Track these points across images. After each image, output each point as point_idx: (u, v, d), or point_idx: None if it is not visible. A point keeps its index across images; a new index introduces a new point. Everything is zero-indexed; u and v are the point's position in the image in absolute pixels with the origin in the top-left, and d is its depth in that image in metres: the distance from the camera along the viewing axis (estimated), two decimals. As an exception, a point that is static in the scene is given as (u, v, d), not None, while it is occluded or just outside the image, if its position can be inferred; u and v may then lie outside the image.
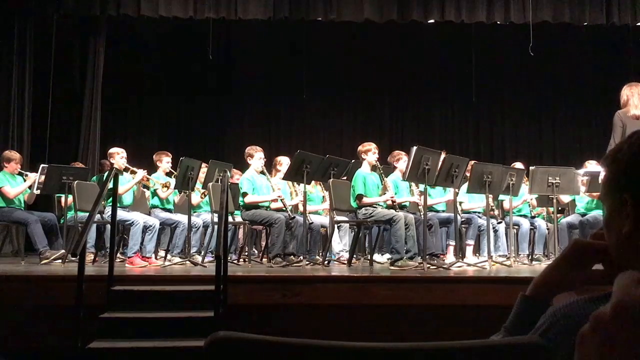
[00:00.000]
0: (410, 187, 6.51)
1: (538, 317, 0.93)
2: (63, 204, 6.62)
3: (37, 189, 6.53)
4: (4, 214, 6.40)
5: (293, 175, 6.19)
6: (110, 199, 5.51)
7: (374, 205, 6.10)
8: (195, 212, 6.79)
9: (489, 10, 8.41)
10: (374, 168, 6.39)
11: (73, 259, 5.32)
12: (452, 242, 6.58)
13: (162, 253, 6.91)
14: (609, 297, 0.62)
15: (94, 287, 4.01)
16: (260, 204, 6.33)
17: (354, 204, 6.20)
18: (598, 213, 6.47)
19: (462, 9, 8.40)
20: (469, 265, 6.02)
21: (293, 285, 4.34)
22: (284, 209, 6.38)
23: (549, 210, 7.25)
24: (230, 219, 6.19)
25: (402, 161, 6.41)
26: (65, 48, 9.21)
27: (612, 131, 4.93)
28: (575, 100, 10.94)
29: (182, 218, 6.52)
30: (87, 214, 4.87)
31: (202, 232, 6.84)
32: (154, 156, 7.05)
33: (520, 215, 7.21)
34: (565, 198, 7.16)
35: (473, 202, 6.92)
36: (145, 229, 6.26)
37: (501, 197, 7.07)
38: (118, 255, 6.24)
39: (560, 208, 7.38)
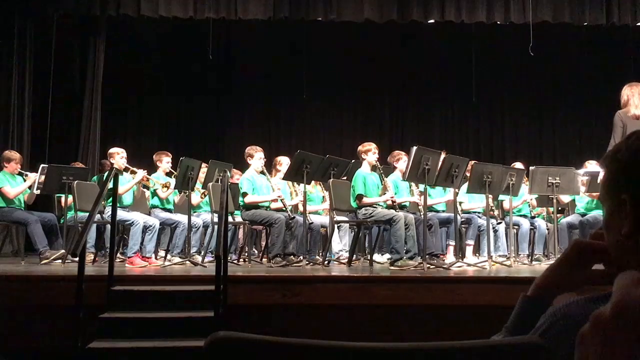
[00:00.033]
0: (410, 187, 6.51)
1: (539, 317, 0.93)
2: (63, 204, 6.62)
3: (37, 189, 6.53)
4: (4, 214, 6.39)
5: (293, 175, 6.19)
6: (110, 199, 5.51)
7: (374, 205, 6.10)
8: (195, 212, 6.79)
9: (489, 10, 8.41)
10: (374, 168, 6.39)
11: (73, 259, 5.32)
12: (452, 242, 6.58)
13: (162, 253, 6.91)
14: (609, 297, 0.62)
15: (94, 287, 4.01)
16: (260, 204, 6.33)
17: (354, 204, 6.20)
18: (598, 213, 6.47)
19: (462, 9, 8.40)
20: (469, 265, 6.02)
21: (293, 285, 4.34)
22: (284, 209, 6.38)
23: (549, 210, 7.24)
24: (230, 219, 6.19)
25: (402, 161, 6.41)
26: (65, 48, 9.21)
27: (613, 131, 4.93)
28: (575, 100, 10.93)
29: (182, 218, 6.52)
30: (87, 214, 4.87)
31: (202, 232, 6.85)
32: (154, 156, 7.05)
33: (520, 215, 7.21)
34: (565, 198, 7.16)
35: (473, 202, 6.92)
36: (145, 229, 6.26)
37: (501, 197, 7.07)
38: (118, 255, 6.24)
39: (560, 208, 7.38)
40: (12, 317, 4.23)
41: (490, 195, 6.32)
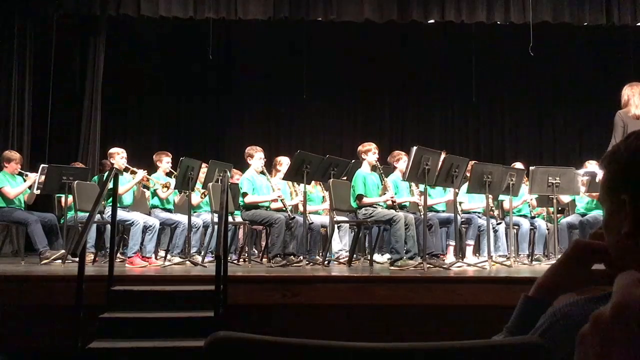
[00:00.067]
0: (410, 187, 6.51)
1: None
2: (63, 204, 6.62)
3: (37, 189, 6.53)
4: (4, 214, 6.40)
5: (293, 175, 6.19)
6: (110, 199, 5.51)
7: (374, 206, 6.10)
8: (195, 212, 6.79)
9: (489, 10, 8.41)
10: (374, 168, 6.39)
11: (73, 259, 5.32)
12: (452, 242, 6.58)
13: (162, 253, 6.91)
14: (609, 297, 0.62)
15: (94, 287, 4.01)
16: (260, 204, 6.33)
17: (354, 204, 6.20)
18: (598, 213, 6.47)
19: (462, 9, 8.40)
20: (469, 265, 6.02)
21: (293, 285, 4.34)
22: (284, 209, 6.38)
23: (549, 210, 7.25)
24: (230, 219, 6.19)
25: (402, 161, 6.41)
26: (65, 48, 9.21)
27: (613, 131, 4.92)
28: (575, 100, 10.94)
29: (182, 218, 6.52)
30: (87, 214, 4.87)
31: (202, 232, 6.85)
32: (154, 156, 7.05)
33: (520, 216, 7.22)
34: (565, 198, 7.16)
35: (473, 202, 6.92)
36: (145, 229, 6.26)
37: (501, 197, 7.08)
38: (118, 255, 6.24)
39: (560, 208, 7.38)
40: (12, 317, 4.23)
41: (490, 196, 6.32)
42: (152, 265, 6.14)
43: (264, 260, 6.67)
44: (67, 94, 9.22)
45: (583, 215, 6.86)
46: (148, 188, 6.89)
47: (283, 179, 6.57)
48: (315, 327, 4.21)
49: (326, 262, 6.01)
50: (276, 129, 10.95)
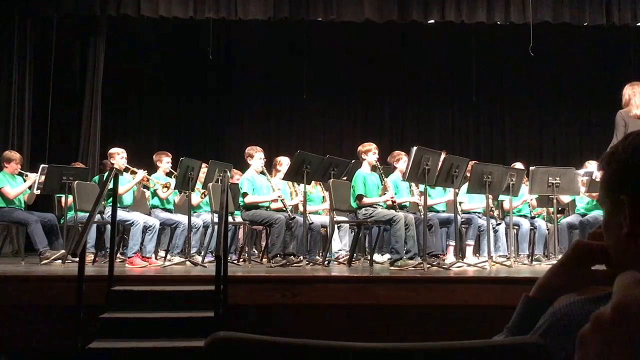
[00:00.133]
0: (410, 188, 6.51)
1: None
2: (63, 204, 6.62)
3: (37, 189, 6.53)
4: (4, 214, 6.40)
5: (293, 176, 6.19)
6: (110, 199, 5.51)
7: (374, 206, 6.10)
8: (195, 212, 6.79)
9: (489, 10, 8.41)
10: (374, 168, 6.39)
11: (73, 259, 5.32)
12: (452, 243, 6.58)
13: (162, 253, 6.91)
14: (610, 297, 0.62)
15: (94, 287, 4.01)
16: (260, 204, 6.33)
17: (354, 204, 6.20)
18: (598, 213, 6.47)
19: (462, 9, 8.40)
20: (469, 265, 6.02)
21: (293, 285, 4.34)
22: (284, 209, 6.38)
23: (549, 210, 7.24)
24: (230, 219, 6.19)
25: (402, 161, 6.41)
26: (65, 48, 9.21)
27: (615, 130, 4.92)
28: (575, 100, 10.94)
29: (182, 218, 6.52)
30: (87, 214, 4.87)
31: (202, 233, 6.85)
32: (154, 156, 7.05)
33: (520, 216, 7.22)
34: (565, 198, 7.16)
35: (473, 202, 6.92)
36: (146, 229, 6.26)
37: (501, 197, 7.08)
38: (118, 255, 6.24)
39: (560, 208, 7.38)
40: (12, 317, 4.23)
41: (490, 196, 6.32)
42: (152, 266, 6.14)
43: (264, 260, 6.67)
44: (67, 94, 9.22)
45: (583, 215, 6.86)
46: (148, 188, 6.89)
47: (283, 179, 6.57)
48: (315, 327, 4.21)
49: (326, 262, 6.01)
50: (276, 129, 10.95)
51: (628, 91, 5.01)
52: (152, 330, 3.85)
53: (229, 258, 5.39)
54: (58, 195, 6.93)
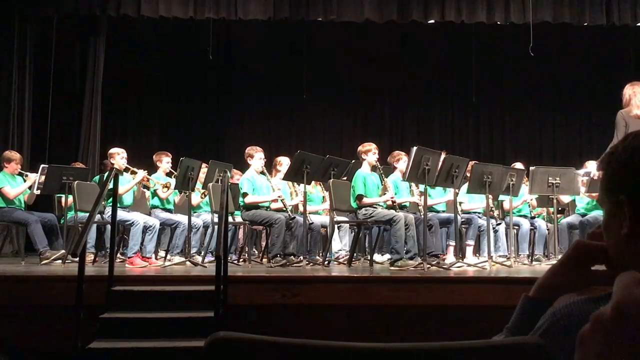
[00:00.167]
0: (410, 188, 6.51)
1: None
2: (63, 204, 6.62)
3: (37, 189, 6.53)
4: (4, 214, 6.40)
5: (293, 176, 6.19)
6: (110, 199, 5.51)
7: (374, 206, 6.10)
8: (195, 212, 6.79)
9: (489, 10, 8.41)
10: (374, 168, 6.39)
11: (73, 259, 5.32)
12: (452, 243, 6.58)
13: (162, 253, 6.91)
14: (610, 297, 0.62)
15: (94, 287, 4.01)
16: (260, 204, 6.33)
17: (354, 204, 6.20)
18: (598, 213, 6.47)
19: (462, 9, 8.39)
20: (469, 265, 6.02)
21: (293, 285, 4.34)
22: (284, 209, 6.38)
23: (549, 210, 7.24)
24: (230, 219, 6.19)
25: (402, 161, 6.41)
26: (65, 48, 9.21)
27: (615, 130, 4.91)
28: (575, 100, 10.94)
29: (182, 218, 6.52)
30: (87, 214, 4.87)
31: (202, 233, 6.85)
32: (154, 156, 7.05)
33: (521, 216, 7.22)
34: (566, 198, 7.16)
35: (473, 202, 6.92)
36: (146, 229, 6.26)
37: (501, 197, 7.08)
38: (118, 255, 6.24)
39: (560, 208, 7.37)
40: (12, 317, 4.23)
41: (490, 196, 6.32)
42: (152, 266, 6.14)
43: (264, 260, 6.67)
44: (67, 94, 9.22)
45: (583, 215, 6.86)
46: (148, 188, 6.89)
47: (283, 179, 6.57)
48: (315, 327, 4.21)
49: (326, 262, 6.01)
50: (276, 129, 10.95)
51: (628, 91, 5.01)
52: (152, 331, 3.85)
53: (229, 258, 5.39)
54: (58, 195, 6.93)
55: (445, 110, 11.16)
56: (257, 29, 9.57)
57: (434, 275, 4.95)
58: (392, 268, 5.65)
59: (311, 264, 5.96)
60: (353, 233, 6.85)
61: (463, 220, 6.57)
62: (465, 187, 6.31)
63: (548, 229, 7.07)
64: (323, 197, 7.46)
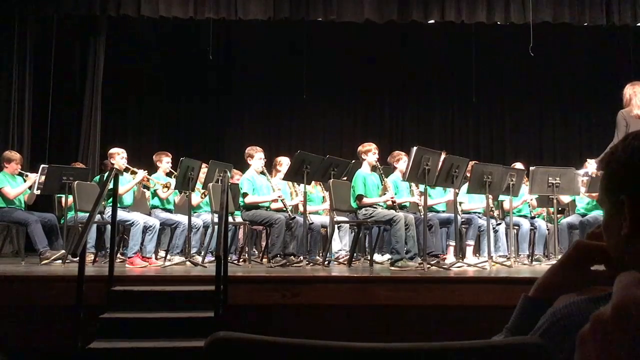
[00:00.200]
0: (410, 188, 6.51)
1: (541, 318, 0.93)
2: (63, 204, 6.62)
3: (37, 190, 6.53)
4: (4, 214, 6.40)
5: (293, 176, 6.19)
6: (111, 199, 5.51)
7: (374, 206, 6.10)
8: (195, 212, 6.79)
9: (489, 10, 8.41)
10: (374, 168, 6.39)
11: (73, 259, 5.32)
12: (452, 243, 6.58)
13: (162, 253, 6.91)
14: (610, 297, 0.62)
15: (94, 287, 4.01)
16: (260, 204, 6.33)
17: (354, 205, 6.20)
18: (598, 213, 6.47)
19: (462, 9, 8.39)
20: (469, 265, 6.02)
21: (293, 286, 4.34)
22: (284, 209, 6.38)
23: (549, 210, 7.24)
24: (230, 219, 6.19)
25: (402, 161, 6.41)
26: (65, 48, 9.21)
27: (616, 130, 4.91)
28: (575, 100, 10.94)
29: (182, 218, 6.53)
30: (87, 214, 4.87)
31: (202, 233, 6.85)
32: (154, 156, 7.05)
33: (521, 216, 7.22)
34: (566, 198, 7.16)
35: (473, 202, 6.92)
36: (146, 229, 6.26)
37: (501, 197, 7.08)
38: (118, 255, 6.24)
39: (560, 208, 7.38)
40: (12, 317, 4.23)
41: (490, 196, 6.32)
42: (152, 266, 6.14)
43: (264, 260, 6.67)
44: (67, 94, 9.22)
45: (583, 215, 6.86)
46: (148, 188, 6.89)
47: (283, 179, 6.57)
48: (315, 327, 4.21)
49: (326, 263, 6.01)
50: (276, 129, 10.95)
51: (629, 91, 5.01)
52: (152, 331, 3.85)
53: (229, 258, 5.39)
54: (58, 195, 6.93)
55: (445, 110, 11.16)
56: (257, 29, 9.57)
57: (434, 275, 4.95)
58: (393, 268, 5.65)
59: (311, 264, 5.96)
60: (353, 233, 6.85)
61: (463, 220, 6.57)
62: (465, 187, 6.31)
63: (548, 229, 7.07)
64: (323, 197, 7.46)
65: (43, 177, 6.47)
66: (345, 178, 6.66)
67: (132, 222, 6.18)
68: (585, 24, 8.66)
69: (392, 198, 6.13)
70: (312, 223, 6.40)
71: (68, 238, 6.35)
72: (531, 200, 7.23)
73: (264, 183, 6.45)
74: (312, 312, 4.28)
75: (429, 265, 5.49)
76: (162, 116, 10.71)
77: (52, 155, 8.46)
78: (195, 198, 6.74)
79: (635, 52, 10.09)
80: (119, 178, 5.26)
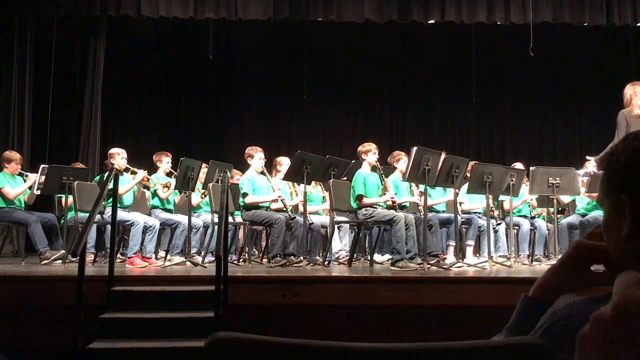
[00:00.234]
0: (410, 188, 6.51)
1: (541, 318, 0.93)
2: (63, 205, 6.62)
3: (37, 190, 6.53)
4: (4, 214, 6.40)
5: (293, 176, 6.19)
6: (111, 199, 5.51)
7: (374, 206, 6.09)
8: (195, 212, 6.79)
9: (489, 10, 8.41)
10: (374, 168, 6.39)
11: (73, 259, 5.32)
12: (453, 243, 6.58)
13: (162, 253, 6.91)
14: (610, 297, 0.62)
15: (94, 287, 4.01)
16: (260, 204, 6.33)
17: (354, 205, 6.20)
18: (598, 213, 6.47)
19: (462, 9, 8.39)
20: (469, 265, 6.02)
21: (293, 286, 4.34)
22: (284, 209, 6.38)
23: (549, 210, 7.24)
24: (230, 219, 6.19)
25: (402, 161, 6.41)
26: (65, 48, 9.21)
27: (616, 129, 4.91)
28: (575, 100, 10.94)
29: (182, 218, 6.52)
30: (87, 214, 4.87)
31: (202, 233, 6.85)
32: (154, 156, 7.05)
33: (521, 216, 7.21)
34: (566, 198, 7.16)
35: (473, 202, 6.92)
36: (146, 229, 6.26)
37: (501, 197, 7.08)
38: (118, 255, 6.23)
39: (560, 208, 7.37)
40: (12, 317, 4.23)
41: (490, 196, 6.32)
42: (152, 266, 6.14)
43: (264, 260, 6.66)
44: (67, 94, 9.22)
45: (583, 215, 6.86)
46: (148, 188, 6.89)
47: (283, 179, 6.57)
48: (315, 327, 4.21)
49: (326, 263, 6.01)
50: (276, 129, 10.95)
51: (629, 91, 5.01)
52: (152, 331, 3.85)
53: (229, 258, 5.39)
54: (58, 195, 6.93)
55: (445, 110, 11.16)
56: (257, 29, 9.56)
57: (434, 275, 4.95)
58: (393, 268, 5.65)
59: (311, 264, 5.96)
60: (353, 233, 6.85)
61: (463, 220, 6.57)
62: (465, 187, 6.31)
63: (548, 229, 7.07)
64: (323, 197, 7.45)
65: (43, 177, 6.47)
66: (345, 178, 6.66)
67: (132, 222, 6.18)
68: (585, 24, 8.66)
69: (392, 198, 6.13)
70: (312, 223, 6.40)
71: (68, 238, 6.34)
72: (531, 200, 7.23)
73: (264, 183, 6.45)
74: (312, 312, 4.28)
75: (429, 266, 5.49)
76: (162, 116, 10.71)
77: (52, 155, 8.45)
78: (195, 198, 6.74)
79: (635, 52, 10.09)
80: (119, 178, 5.26)
